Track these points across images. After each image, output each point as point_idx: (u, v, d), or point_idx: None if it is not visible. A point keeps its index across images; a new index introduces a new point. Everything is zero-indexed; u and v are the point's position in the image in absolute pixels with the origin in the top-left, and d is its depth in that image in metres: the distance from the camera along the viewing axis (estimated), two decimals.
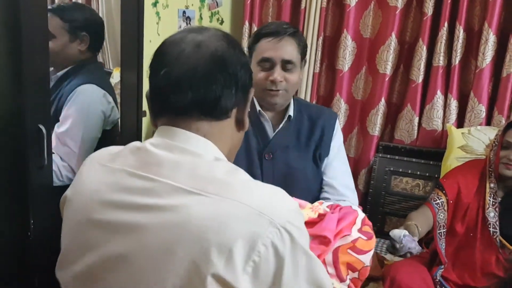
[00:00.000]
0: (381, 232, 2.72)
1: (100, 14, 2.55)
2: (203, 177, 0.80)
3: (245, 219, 0.75)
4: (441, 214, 2.04)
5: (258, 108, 1.64)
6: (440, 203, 2.05)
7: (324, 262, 1.07)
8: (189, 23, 2.70)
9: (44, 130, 1.51)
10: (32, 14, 1.45)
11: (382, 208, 2.73)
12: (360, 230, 1.14)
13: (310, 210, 1.15)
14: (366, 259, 1.11)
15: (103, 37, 2.15)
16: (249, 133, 1.63)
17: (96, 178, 0.89)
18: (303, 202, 1.22)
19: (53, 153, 1.67)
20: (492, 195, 1.99)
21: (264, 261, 0.74)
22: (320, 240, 1.08)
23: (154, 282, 0.75)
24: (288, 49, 1.57)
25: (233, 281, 0.72)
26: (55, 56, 1.90)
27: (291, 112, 1.66)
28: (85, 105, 1.88)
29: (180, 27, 2.64)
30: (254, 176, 1.60)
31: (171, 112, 0.89)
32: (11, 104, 1.46)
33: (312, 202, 1.73)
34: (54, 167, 1.74)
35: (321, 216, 1.14)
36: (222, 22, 3.08)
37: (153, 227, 0.77)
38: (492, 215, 1.97)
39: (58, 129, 1.86)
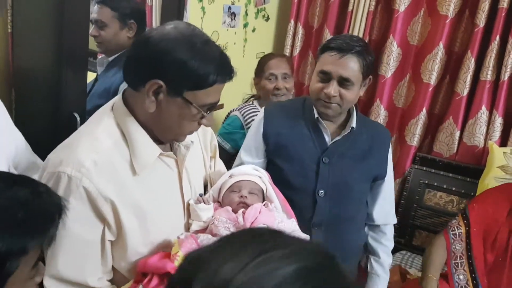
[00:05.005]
0: (408, 245, 2.67)
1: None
2: None
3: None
4: (457, 245, 1.96)
5: (316, 115, 1.65)
6: (457, 234, 1.97)
7: None
8: (234, 19, 2.72)
9: (78, 118, 1.58)
10: (75, 8, 1.52)
11: (413, 221, 2.67)
12: None
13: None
14: None
15: (146, 24, 2.22)
16: (306, 136, 1.66)
17: None
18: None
19: None
20: None
21: None
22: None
23: None
24: (348, 66, 1.55)
25: None
26: (108, 43, 2.05)
27: (353, 124, 1.67)
28: None
29: (224, 22, 2.66)
30: (307, 178, 1.64)
31: None
32: (50, 92, 1.54)
33: (361, 216, 1.80)
34: None
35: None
36: (267, 19, 3.08)
37: None
38: None
39: None
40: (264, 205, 1.30)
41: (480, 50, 2.53)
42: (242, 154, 1.74)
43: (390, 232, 1.88)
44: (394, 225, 2.63)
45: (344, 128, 1.69)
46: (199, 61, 1.03)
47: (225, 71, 1.10)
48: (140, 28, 2.12)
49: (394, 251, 2.53)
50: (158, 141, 1.16)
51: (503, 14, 2.43)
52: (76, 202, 1.01)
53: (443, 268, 1.98)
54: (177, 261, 1.06)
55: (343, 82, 1.56)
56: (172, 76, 1.04)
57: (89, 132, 1.10)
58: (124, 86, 1.98)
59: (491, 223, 1.97)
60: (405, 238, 2.67)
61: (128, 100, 1.13)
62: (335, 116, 1.67)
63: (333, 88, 1.56)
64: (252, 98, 2.40)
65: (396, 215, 2.66)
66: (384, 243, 1.85)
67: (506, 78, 2.46)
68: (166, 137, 1.17)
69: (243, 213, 1.23)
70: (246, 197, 1.29)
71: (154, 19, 2.43)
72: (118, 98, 1.15)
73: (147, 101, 1.06)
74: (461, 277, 1.97)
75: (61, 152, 1.08)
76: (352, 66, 1.55)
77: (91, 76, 2.02)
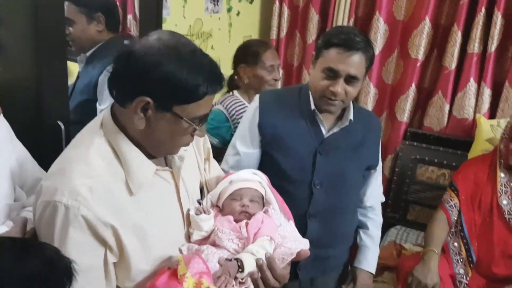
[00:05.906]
0: (403, 220, 2.71)
1: None
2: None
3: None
4: (455, 215, 2.06)
5: (313, 107, 1.64)
6: (453, 205, 2.07)
7: None
8: (217, 4, 2.69)
9: (62, 126, 1.59)
10: (50, 13, 1.52)
11: (406, 196, 2.71)
12: None
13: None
14: None
15: (118, 17, 2.16)
16: (302, 129, 1.65)
17: None
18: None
19: None
20: (503, 184, 2.01)
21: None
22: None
23: None
24: (356, 64, 1.52)
25: None
26: (79, 40, 2.01)
27: (351, 116, 1.66)
28: None
29: (207, 9, 2.64)
30: (304, 170, 1.64)
31: None
32: (32, 102, 1.54)
33: (355, 203, 1.82)
34: None
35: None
36: (252, 1, 3.04)
37: None
38: (505, 202, 1.99)
39: (100, 106, 1.94)
40: (264, 211, 1.31)
41: (466, 22, 2.51)
42: (238, 144, 1.73)
43: (378, 208, 1.91)
44: (388, 201, 2.71)
45: (341, 119, 1.68)
46: (186, 73, 0.99)
47: (216, 81, 1.05)
48: (110, 19, 2.06)
49: (388, 227, 2.60)
50: (151, 155, 1.14)
51: None
52: (76, 231, 0.98)
53: None
54: (186, 282, 1.04)
55: (350, 79, 1.54)
56: (159, 92, 1.00)
57: (81, 156, 1.05)
58: (103, 78, 1.98)
59: (474, 187, 2.07)
60: (399, 214, 2.71)
61: (117, 115, 1.08)
62: (337, 111, 1.66)
63: (340, 86, 1.53)
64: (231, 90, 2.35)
65: (389, 192, 2.74)
66: (372, 217, 1.88)
67: (493, 49, 2.45)
68: (159, 152, 1.15)
69: (246, 224, 1.24)
70: (248, 205, 1.29)
71: (137, 6, 2.40)
72: (107, 114, 1.10)
73: (136, 118, 1.02)
74: (456, 244, 2.05)
75: (55, 179, 1.03)
76: (359, 63, 1.53)
77: (71, 65, 2.01)
